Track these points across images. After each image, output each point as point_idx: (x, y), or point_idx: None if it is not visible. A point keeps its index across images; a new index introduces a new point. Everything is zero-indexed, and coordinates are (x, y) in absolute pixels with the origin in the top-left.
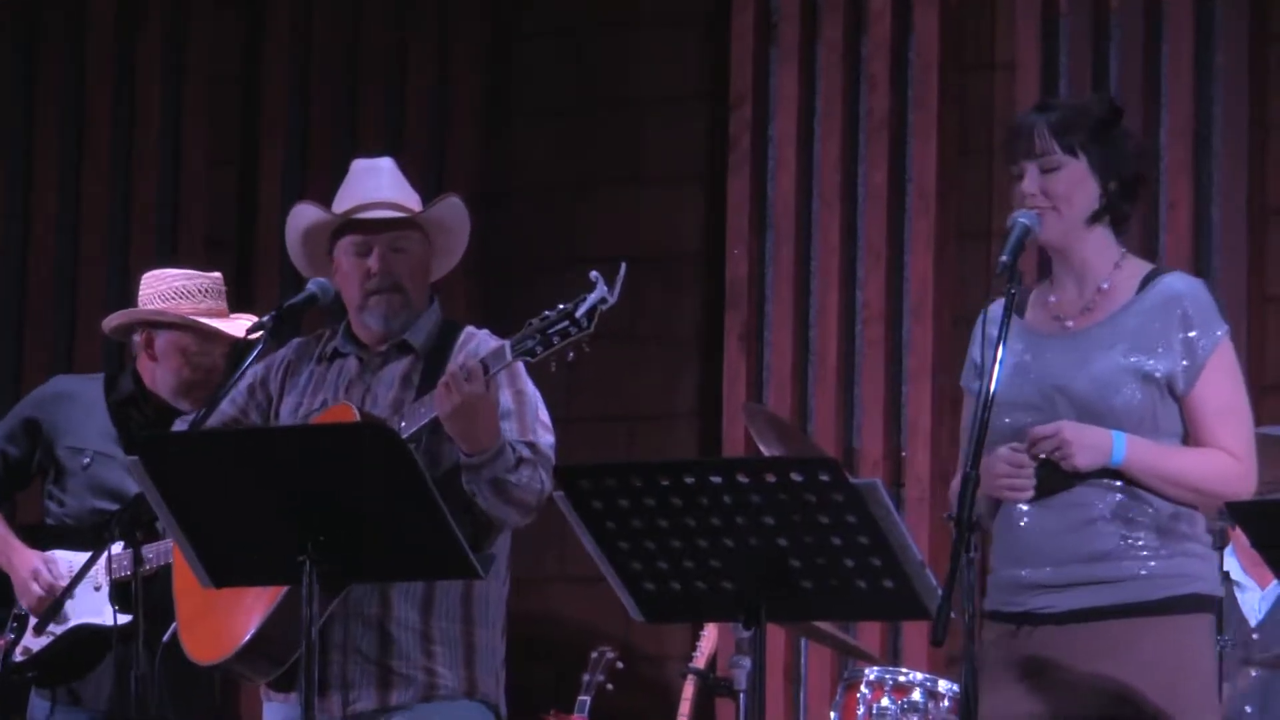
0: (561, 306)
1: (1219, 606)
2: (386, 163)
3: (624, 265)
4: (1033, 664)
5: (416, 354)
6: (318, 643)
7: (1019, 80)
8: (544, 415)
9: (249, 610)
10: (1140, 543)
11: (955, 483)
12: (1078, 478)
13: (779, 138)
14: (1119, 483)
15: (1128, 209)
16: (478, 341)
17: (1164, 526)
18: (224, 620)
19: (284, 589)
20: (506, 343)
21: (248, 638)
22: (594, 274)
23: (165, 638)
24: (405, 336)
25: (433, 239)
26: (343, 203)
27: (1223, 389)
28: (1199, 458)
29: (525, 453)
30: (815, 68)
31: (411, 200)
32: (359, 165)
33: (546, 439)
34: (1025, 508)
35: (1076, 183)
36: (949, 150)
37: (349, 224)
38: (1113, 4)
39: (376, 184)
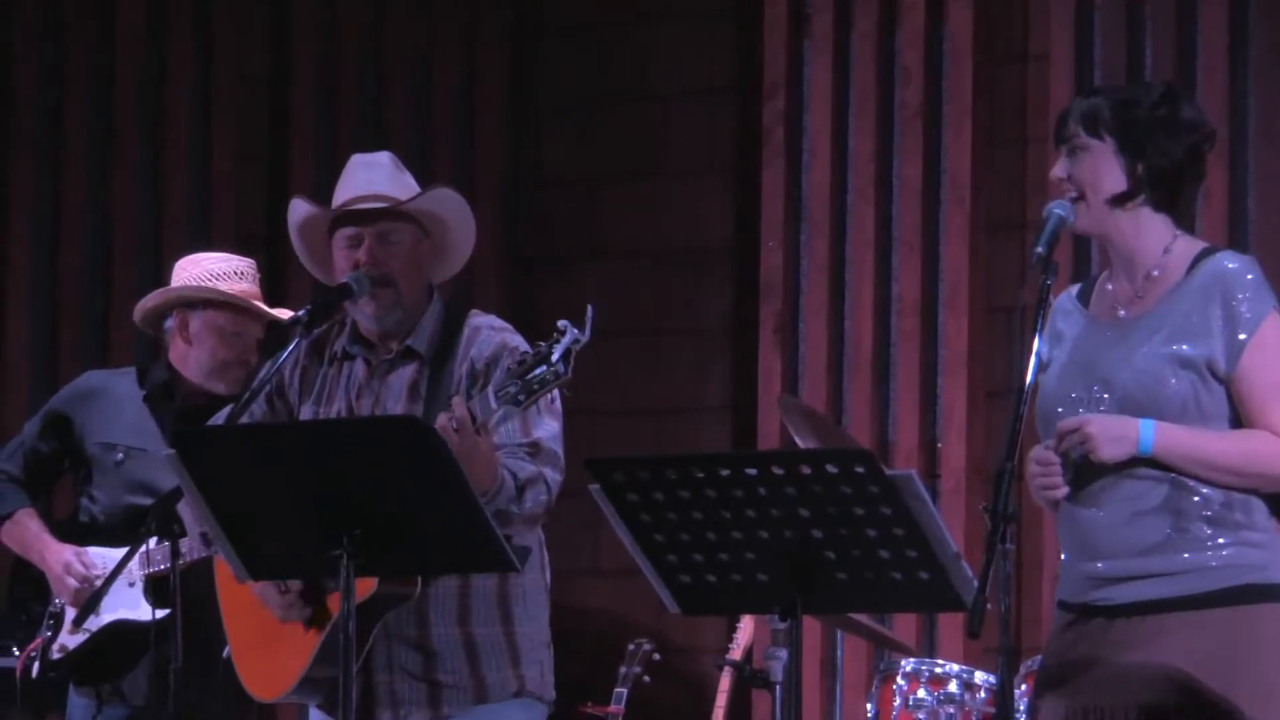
0: (540, 348)
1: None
2: (384, 156)
3: (590, 308)
4: (1089, 658)
5: (422, 360)
6: (362, 666)
7: (1052, 71)
8: (553, 399)
9: (298, 652)
10: (1191, 533)
11: None
12: (1118, 469)
13: (812, 130)
14: (1166, 474)
15: (1175, 197)
16: (482, 339)
17: (1216, 515)
18: (276, 660)
19: (327, 630)
20: (490, 391)
21: (298, 680)
22: (562, 323)
23: (225, 654)
24: (409, 342)
25: (430, 232)
26: (338, 197)
27: (1270, 366)
28: (1241, 439)
29: (527, 470)
30: (848, 59)
31: (407, 194)
32: (356, 159)
33: (550, 428)
34: (1081, 503)
35: (1100, 165)
36: (982, 141)
37: (341, 217)
38: None
39: (370, 178)
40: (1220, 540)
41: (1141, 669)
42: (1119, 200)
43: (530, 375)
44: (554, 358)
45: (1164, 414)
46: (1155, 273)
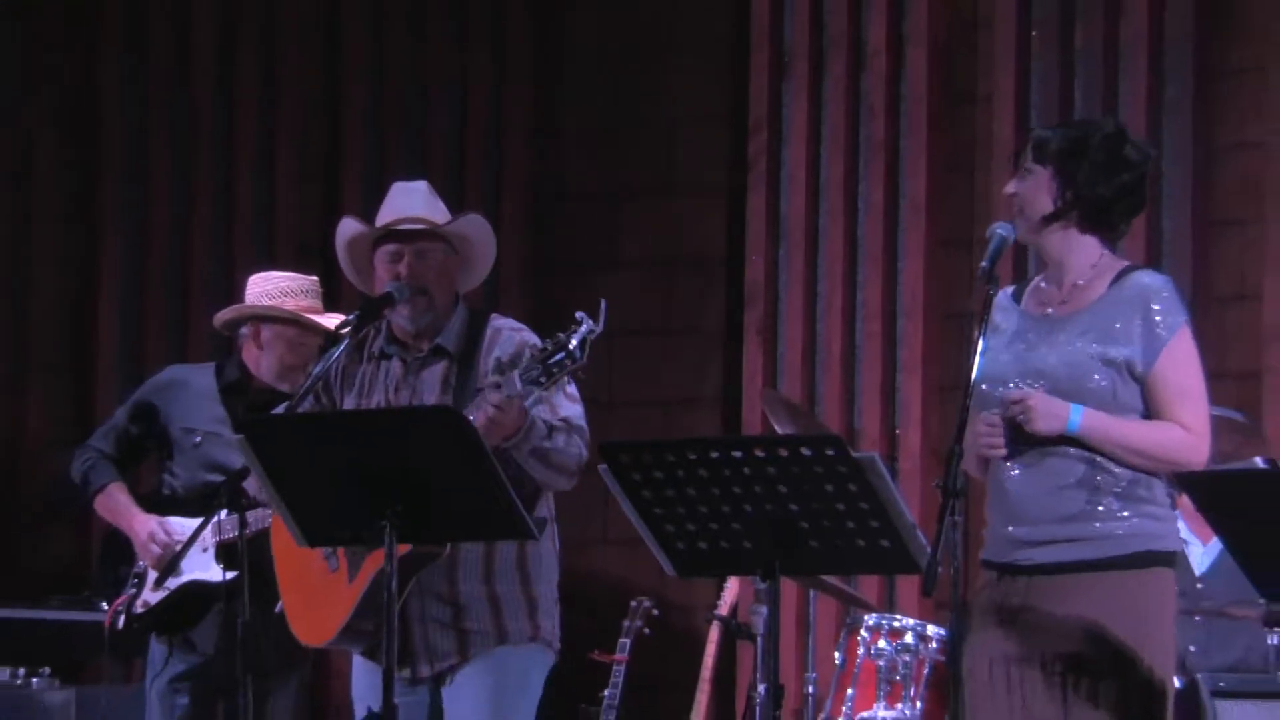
0: (559, 337)
1: (1178, 560)
2: (421, 185)
3: (603, 302)
4: (1013, 610)
5: (451, 357)
6: (398, 619)
7: (996, 110)
8: (570, 388)
9: (341, 605)
10: (1103, 506)
11: None
12: (1048, 442)
13: (791, 160)
14: (1085, 454)
15: (1106, 220)
16: (504, 339)
17: (1124, 491)
18: (320, 611)
19: (366, 586)
20: (515, 375)
21: (341, 627)
22: (579, 314)
23: (277, 609)
24: (439, 341)
25: (458, 249)
26: (381, 218)
27: (1179, 370)
28: (1152, 428)
29: (559, 424)
30: (822, 99)
31: (440, 216)
32: (397, 186)
33: (574, 409)
34: (1012, 474)
35: (1037, 187)
36: (937, 170)
37: (385, 235)
38: (1077, 45)
39: (410, 202)
40: (1127, 513)
41: (1057, 620)
42: (1047, 220)
43: (550, 361)
44: (571, 345)
45: (1087, 403)
46: (1081, 282)
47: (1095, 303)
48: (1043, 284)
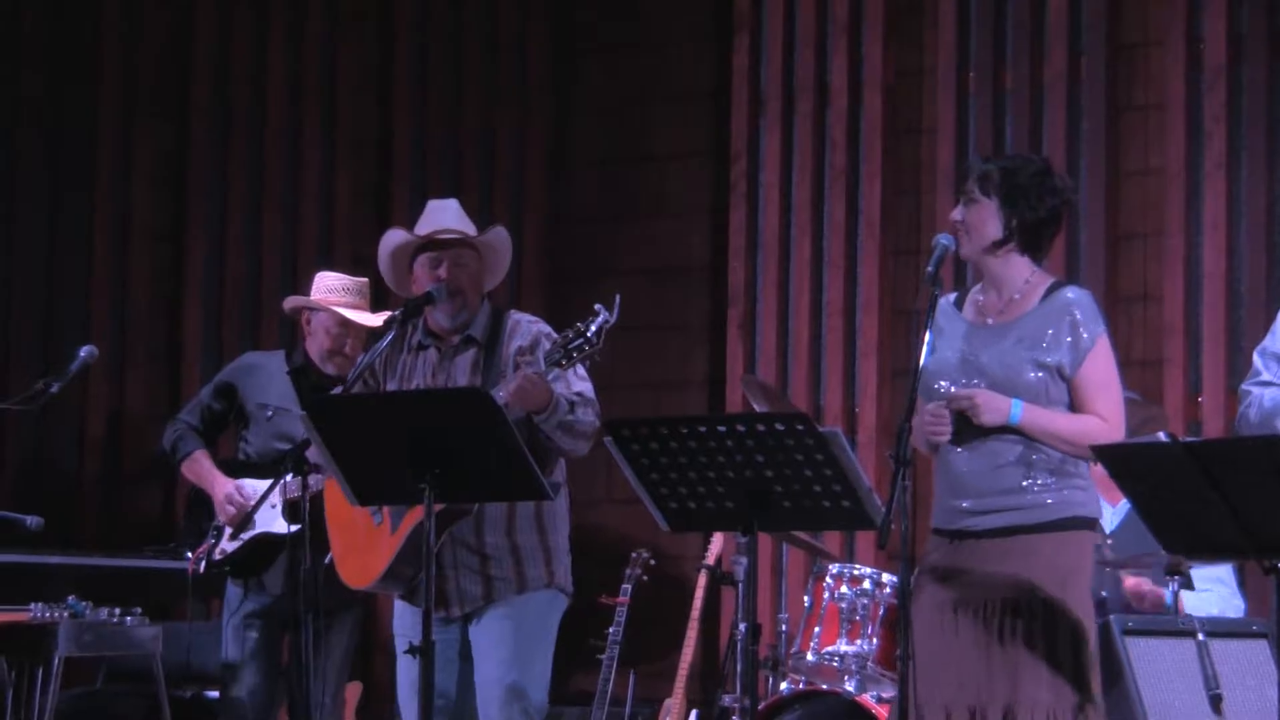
0: (579, 326)
1: (1097, 524)
2: (452, 202)
3: (618, 296)
4: (957, 569)
5: (479, 345)
6: (434, 566)
7: (939, 142)
8: (579, 370)
9: (383, 554)
10: (1038, 481)
11: None
12: (986, 431)
13: (766, 184)
14: (1021, 438)
15: (1037, 242)
16: (523, 329)
17: (1055, 468)
18: (365, 558)
19: (405, 537)
20: (540, 355)
21: (383, 572)
22: (598, 306)
23: (326, 561)
24: (470, 332)
25: (485, 257)
26: (421, 230)
27: (1099, 371)
28: (1076, 420)
29: (575, 398)
30: (792, 133)
31: (470, 229)
32: (432, 204)
33: (585, 385)
34: (958, 454)
35: (984, 217)
36: (889, 192)
37: (428, 244)
38: (1008, 86)
39: (445, 217)
40: (1056, 486)
41: (994, 574)
42: (995, 246)
43: (571, 345)
44: (589, 332)
45: (1022, 397)
46: (1017, 296)
47: (1029, 314)
48: (979, 297)
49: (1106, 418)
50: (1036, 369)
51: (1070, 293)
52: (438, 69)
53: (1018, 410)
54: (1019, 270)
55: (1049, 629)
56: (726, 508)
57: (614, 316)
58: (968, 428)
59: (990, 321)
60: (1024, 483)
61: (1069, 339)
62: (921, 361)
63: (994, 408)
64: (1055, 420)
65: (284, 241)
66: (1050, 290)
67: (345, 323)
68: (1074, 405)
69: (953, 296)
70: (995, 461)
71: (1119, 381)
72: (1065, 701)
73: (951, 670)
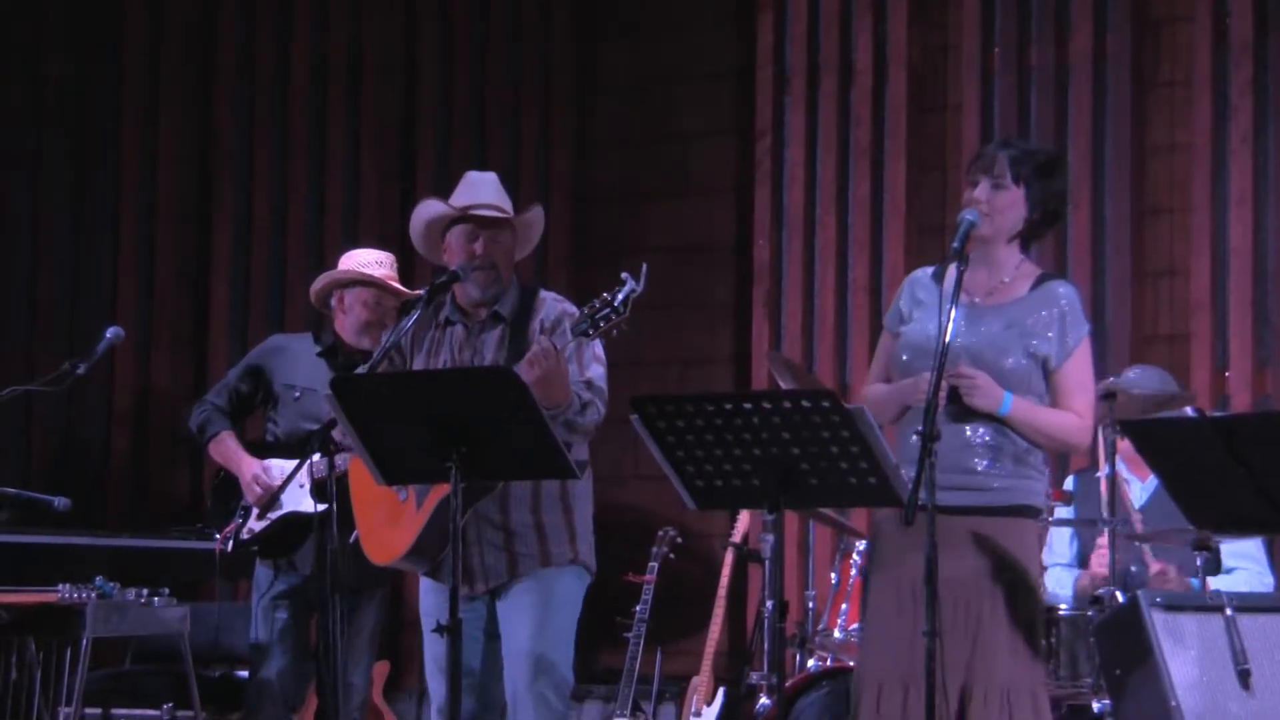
0: (605, 296)
1: (1041, 515)
2: (491, 176)
3: (644, 265)
4: (918, 543)
5: (506, 322)
6: (460, 542)
7: (964, 119)
8: (598, 351)
9: (407, 531)
10: (1001, 465)
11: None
12: (965, 412)
13: (791, 161)
14: (994, 424)
15: (1043, 232)
16: (548, 307)
17: (1018, 456)
18: (390, 534)
19: (430, 514)
20: (567, 325)
21: (408, 548)
22: (625, 274)
23: (351, 540)
24: (497, 309)
25: (518, 233)
26: (457, 200)
27: (1081, 370)
28: (1056, 415)
29: (585, 394)
30: (817, 111)
31: (506, 204)
32: (470, 175)
33: (598, 370)
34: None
35: (1013, 204)
36: (913, 170)
37: (465, 217)
38: (1032, 62)
39: (483, 191)
40: (1016, 473)
41: (956, 552)
42: (1016, 234)
43: (598, 314)
44: (615, 301)
45: (1004, 379)
46: (1006, 280)
47: (1018, 300)
48: (966, 275)
49: (1081, 414)
50: (1024, 356)
51: (1062, 287)
52: (463, 50)
53: (1009, 402)
54: (1012, 256)
55: (1006, 609)
56: (753, 485)
57: (641, 286)
58: (949, 405)
59: (978, 301)
60: (986, 466)
61: (1058, 334)
62: (947, 338)
63: (990, 395)
64: (1040, 415)
65: (309, 223)
66: (1040, 280)
67: (384, 292)
68: (1051, 398)
69: (930, 270)
70: (964, 442)
71: (1094, 382)
72: (1021, 681)
73: (890, 645)
